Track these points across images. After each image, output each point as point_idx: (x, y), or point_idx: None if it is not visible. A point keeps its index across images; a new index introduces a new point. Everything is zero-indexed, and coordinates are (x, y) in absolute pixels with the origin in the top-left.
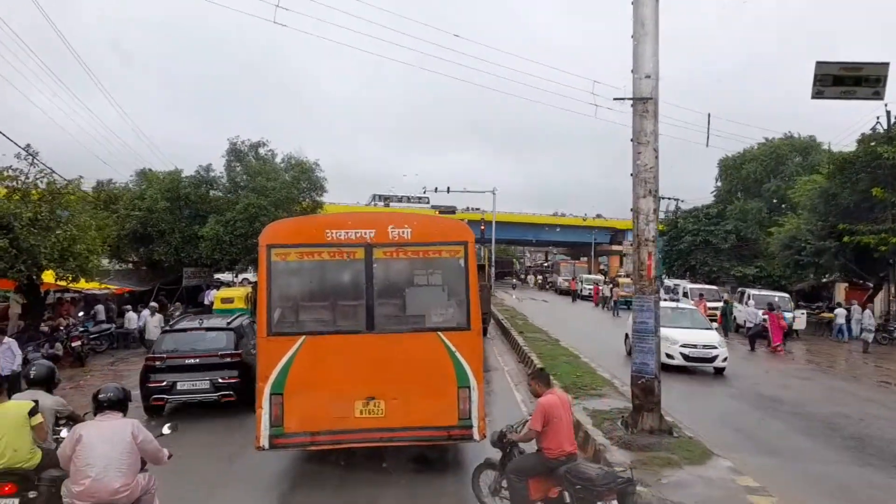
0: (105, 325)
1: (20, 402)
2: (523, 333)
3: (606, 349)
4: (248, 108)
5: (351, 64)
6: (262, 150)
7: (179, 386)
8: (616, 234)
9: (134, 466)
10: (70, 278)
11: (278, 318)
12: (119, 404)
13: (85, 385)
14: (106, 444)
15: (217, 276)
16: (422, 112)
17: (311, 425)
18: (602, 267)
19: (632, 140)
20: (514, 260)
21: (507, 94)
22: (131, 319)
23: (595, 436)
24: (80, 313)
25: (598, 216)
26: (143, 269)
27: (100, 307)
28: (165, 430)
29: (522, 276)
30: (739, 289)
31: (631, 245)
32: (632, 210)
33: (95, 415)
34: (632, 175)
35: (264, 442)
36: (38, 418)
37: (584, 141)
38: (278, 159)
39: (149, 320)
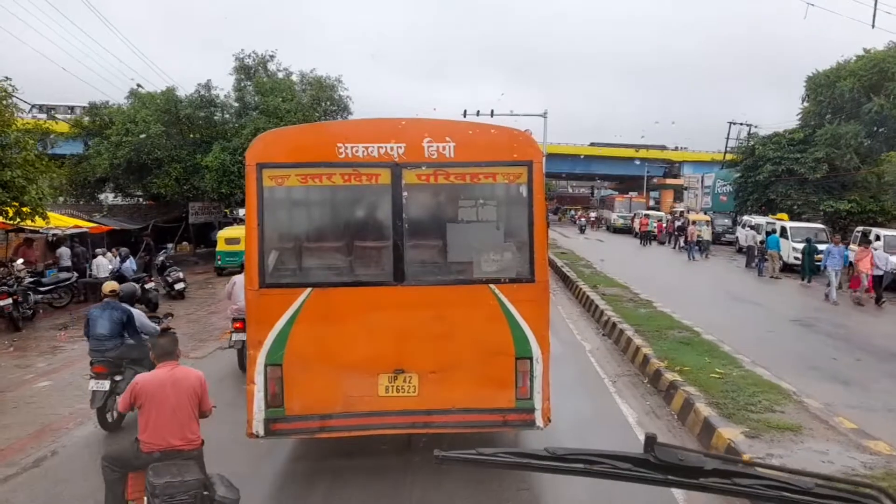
0: (65, 275)
1: None
2: (597, 288)
3: (718, 313)
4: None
5: None
6: (271, 66)
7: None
8: (671, 167)
9: None
10: (10, 213)
11: (275, 264)
12: None
13: None
14: None
15: (240, 211)
16: (441, 38)
17: (321, 406)
18: (651, 203)
19: None
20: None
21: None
22: (100, 266)
23: None
24: (20, 260)
25: (644, 148)
26: (143, 204)
27: (64, 250)
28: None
29: (560, 213)
30: (859, 228)
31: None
32: None
33: None
34: None
35: (258, 428)
36: None
37: (621, 72)
38: (294, 78)
39: None
